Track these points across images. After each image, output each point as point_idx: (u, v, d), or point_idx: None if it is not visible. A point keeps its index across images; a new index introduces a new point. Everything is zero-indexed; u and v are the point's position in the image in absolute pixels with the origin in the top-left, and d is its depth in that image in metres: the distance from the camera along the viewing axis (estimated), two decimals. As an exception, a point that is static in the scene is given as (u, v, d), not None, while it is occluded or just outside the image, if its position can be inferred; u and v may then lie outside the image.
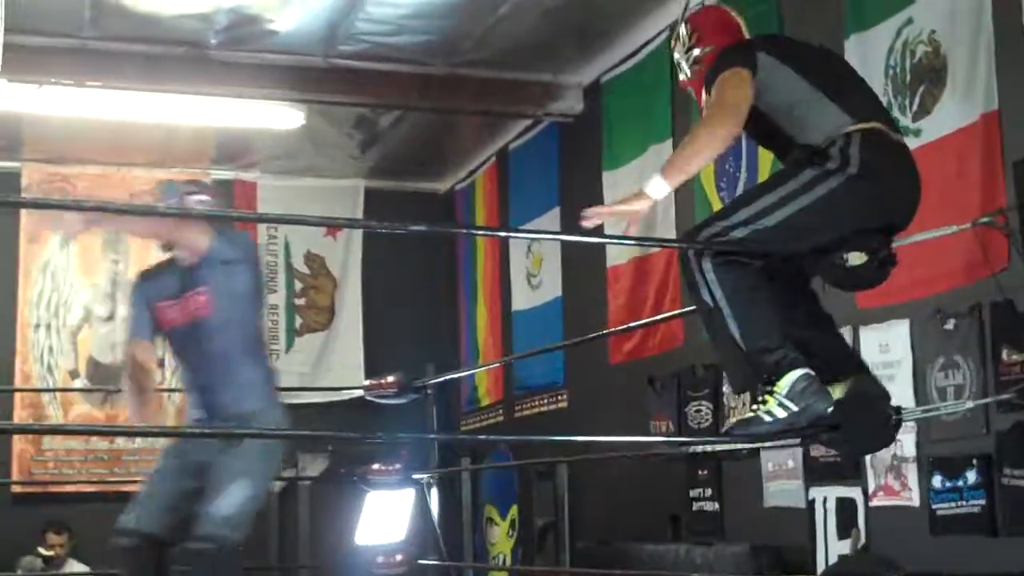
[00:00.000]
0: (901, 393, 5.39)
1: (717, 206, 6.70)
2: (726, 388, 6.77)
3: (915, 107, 5.55)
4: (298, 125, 8.86)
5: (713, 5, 4.01)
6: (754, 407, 3.37)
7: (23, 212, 9.86)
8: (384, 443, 8.28)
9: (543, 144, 9.18)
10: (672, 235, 7.04)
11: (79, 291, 10.07)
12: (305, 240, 10.53)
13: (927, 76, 5.50)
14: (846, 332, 5.82)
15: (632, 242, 5.86)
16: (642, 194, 3.35)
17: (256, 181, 10.49)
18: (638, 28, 7.68)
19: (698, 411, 7.08)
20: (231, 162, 10.29)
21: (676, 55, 3.86)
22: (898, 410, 3.53)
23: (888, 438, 3.60)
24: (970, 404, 4.84)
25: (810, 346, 3.46)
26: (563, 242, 8.89)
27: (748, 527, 6.64)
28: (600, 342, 7.90)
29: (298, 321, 10.53)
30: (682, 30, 3.82)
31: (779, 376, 3.33)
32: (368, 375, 9.43)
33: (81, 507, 9.29)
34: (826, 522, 5.98)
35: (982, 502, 5.09)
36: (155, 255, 9.98)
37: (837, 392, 3.47)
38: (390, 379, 6.45)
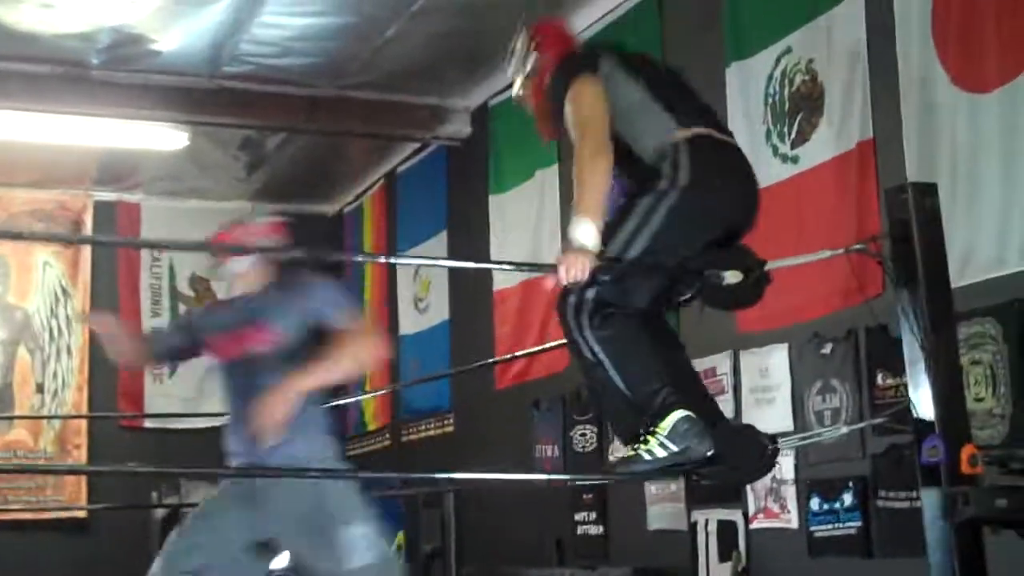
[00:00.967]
0: (780, 416, 5.47)
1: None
2: (610, 412, 6.80)
3: (793, 135, 5.64)
4: (183, 146, 8.77)
5: (550, 18, 4.02)
6: (635, 446, 3.39)
7: None
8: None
9: (431, 167, 9.18)
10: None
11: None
12: (190, 263, 10.38)
13: (805, 104, 5.59)
14: (727, 356, 5.92)
15: (510, 267, 5.85)
16: (582, 249, 3.23)
17: (140, 203, 10.34)
18: (524, 53, 7.72)
19: (583, 435, 7.11)
20: (114, 184, 10.14)
21: (510, 71, 3.83)
22: (774, 439, 3.56)
23: (766, 467, 3.63)
24: (845, 429, 4.91)
25: (683, 387, 3.49)
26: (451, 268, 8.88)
27: (632, 550, 6.67)
28: (486, 367, 7.89)
29: (182, 345, 10.34)
30: (520, 40, 3.80)
31: (661, 417, 3.35)
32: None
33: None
34: (708, 545, 6.03)
35: (858, 524, 5.18)
36: (37, 280, 9.87)
37: None
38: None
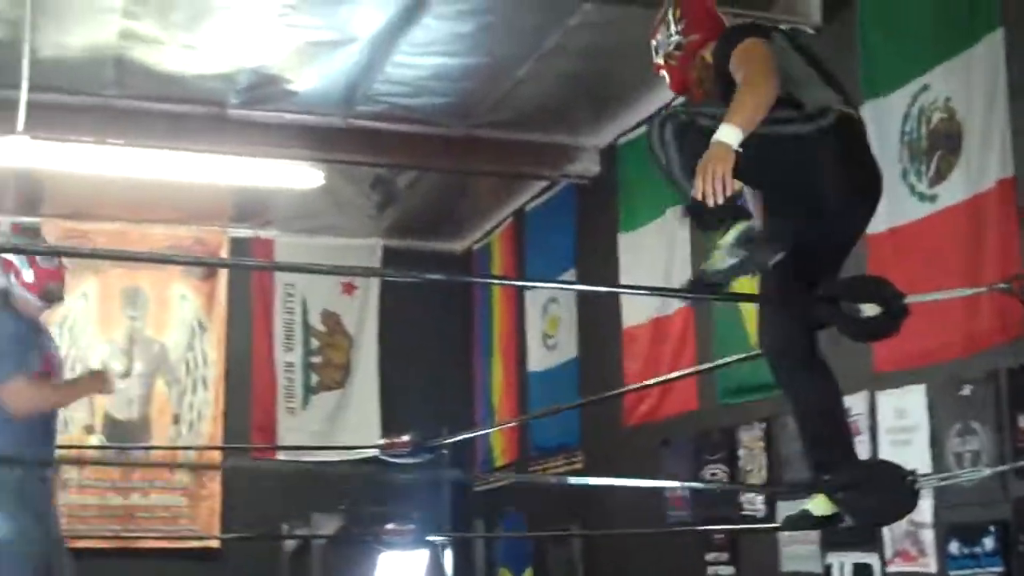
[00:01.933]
0: (918, 458, 5.37)
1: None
2: (742, 452, 6.76)
3: (931, 173, 5.56)
4: (317, 184, 8.90)
5: None
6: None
7: (42, 268, 9.93)
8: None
9: (560, 205, 9.22)
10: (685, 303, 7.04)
11: (96, 347, 10.11)
12: (322, 298, 10.57)
13: (943, 143, 5.51)
14: (863, 397, 5.83)
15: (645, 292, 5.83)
16: (725, 147, 3.28)
17: (274, 239, 10.55)
18: (654, 91, 7.70)
19: (713, 474, 7.06)
20: (250, 220, 10.36)
21: (657, 37, 3.90)
22: (914, 473, 3.52)
23: (910, 503, 3.59)
24: (987, 471, 4.82)
25: None
26: (580, 304, 8.88)
27: (764, 592, 6.60)
28: (615, 404, 7.89)
29: (314, 379, 10.53)
30: (670, 13, 3.87)
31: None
32: (383, 433, 9.43)
33: (94, 564, 9.26)
34: (843, 588, 5.94)
35: (999, 569, 5.05)
36: (174, 313, 10.12)
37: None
38: (405, 438, 6.47)
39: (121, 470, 9.84)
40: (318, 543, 9.39)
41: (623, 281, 8.09)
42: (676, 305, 7.37)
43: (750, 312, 6.17)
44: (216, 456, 10.28)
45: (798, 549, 6.29)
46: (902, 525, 5.51)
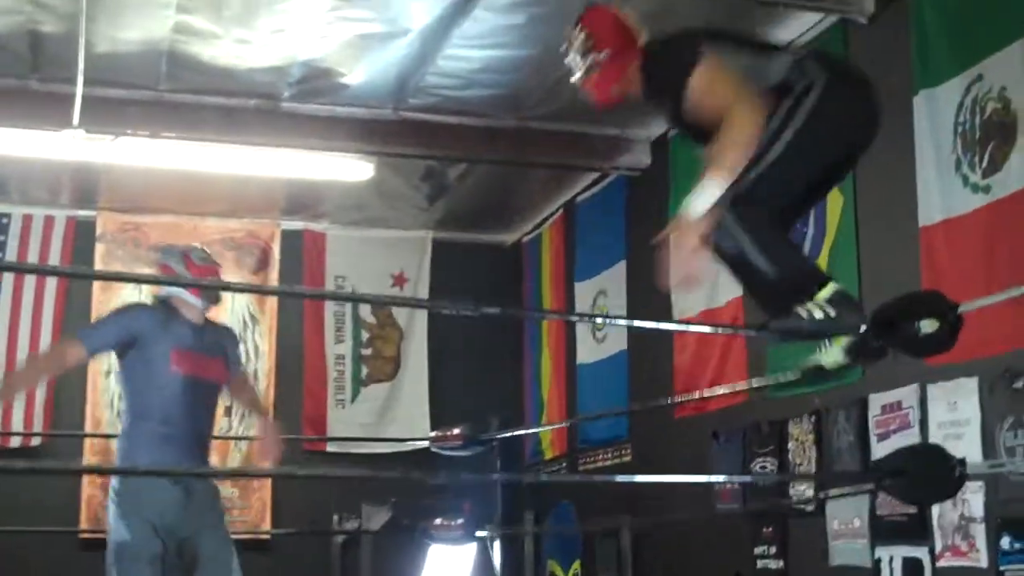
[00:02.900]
0: (969, 452, 5.32)
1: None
2: (791, 445, 6.73)
3: (984, 163, 5.51)
4: (367, 177, 8.95)
5: (603, 6, 4.04)
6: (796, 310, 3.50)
7: (97, 258, 10.06)
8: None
9: (610, 197, 9.22)
10: (736, 292, 7.01)
11: (150, 339, 10.19)
12: (372, 290, 10.62)
13: (997, 133, 5.46)
14: (913, 390, 5.79)
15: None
16: (683, 219, 3.46)
17: (325, 232, 10.61)
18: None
19: (763, 467, 7.03)
20: (301, 213, 10.43)
21: (569, 56, 3.93)
22: (963, 462, 3.51)
23: (953, 488, 3.58)
24: (1038, 464, 4.78)
25: None
26: (630, 296, 8.87)
27: (813, 586, 6.57)
28: (664, 396, 7.87)
29: (364, 371, 10.59)
30: (575, 33, 3.89)
31: (819, 286, 3.49)
32: (433, 426, 9.47)
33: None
34: (892, 582, 5.90)
35: (1052, 564, 5.01)
36: (226, 306, 10.16)
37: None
38: (456, 431, 6.50)
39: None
40: (367, 536, 9.44)
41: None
42: (727, 296, 7.34)
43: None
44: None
45: (848, 543, 6.26)
46: (953, 519, 5.48)
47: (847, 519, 6.23)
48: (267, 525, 10.00)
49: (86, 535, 9.61)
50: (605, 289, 9.21)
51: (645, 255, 8.49)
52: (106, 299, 10.05)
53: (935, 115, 5.74)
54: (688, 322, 7.86)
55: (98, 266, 10.07)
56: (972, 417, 5.47)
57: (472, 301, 3.58)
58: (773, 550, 6.96)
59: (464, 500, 8.49)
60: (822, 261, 6.40)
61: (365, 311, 10.65)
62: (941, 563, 5.62)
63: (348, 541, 9.61)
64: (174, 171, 8.79)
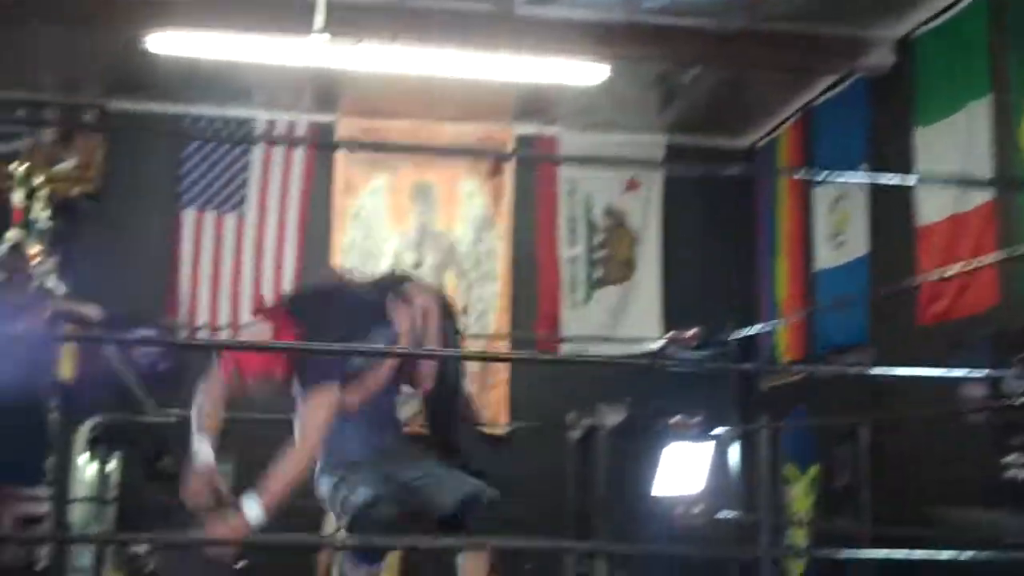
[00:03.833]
0: None
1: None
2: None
3: None
4: (600, 81, 8.95)
5: None
6: None
7: (340, 163, 10.37)
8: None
9: (851, 100, 8.98)
10: (986, 196, 6.81)
11: (388, 239, 10.50)
12: (605, 194, 10.68)
13: None
14: None
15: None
16: None
17: (557, 136, 10.67)
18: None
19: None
20: (534, 117, 10.51)
21: None
22: None
23: None
24: None
25: None
26: (871, 200, 8.68)
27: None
28: (906, 301, 7.73)
29: (596, 274, 10.68)
30: None
31: None
32: (665, 330, 9.52)
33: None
34: None
35: None
36: (462, 209, 10.42)
37: None
38: (691, 333, 6.55)
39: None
40: (602, 433, 9.58)
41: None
42: (975, 201, 7.13)
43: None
44: (503, 346, 10.54)
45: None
46: None
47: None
48: (504, 420, 10.25)
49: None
50: (845, 192, 9.03)
51: (888, 158, 8.34)
52: (346, 204, 10.39)
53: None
54: (932, 229, 7.67)
55: (339, 170, 10.40)
56: None
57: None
58: (1023, 460, 6.80)
59: (699, 403, 8.54)
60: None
61: (598, 215, 10.72)
62: None
63: (584, 439, 9.77)
64: (411, 76, 8.94)
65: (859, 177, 8.74)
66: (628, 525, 9.01)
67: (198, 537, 4.50)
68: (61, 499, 6.67)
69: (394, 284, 5.12)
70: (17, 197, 8.28)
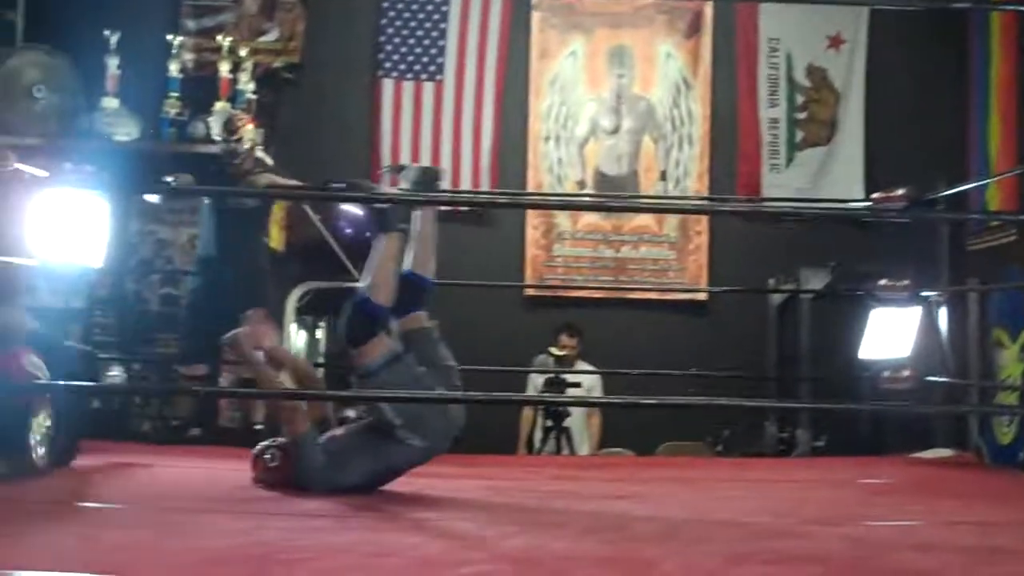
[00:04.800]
0: None
1: None
2: None
3: None
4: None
5: None
6: None
7: (536, 27, 10.31)
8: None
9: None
10: None
11: (586, 104, 10.44)
12: (807, 53, 10.38)
13: None
14: None
15: None
16: None
17: (756, -8, 10.39)
18: None
19: None
20: (732, -28, 10.25)
21: None
22: None
23: None
24: None
25: None
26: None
27: None
28: None
29: (799, 135, 10.44)
30: None
31: None
32: (867, 193, 9.27)
33: (588, 312, 9.81)
34: None
35: None
36: (660, 71, 10.28)
37: None
38: (899, 192, 6.34)
39: (612, 224, 10.22)
40: (805, 298, 9.46)
41: None
42: None
43: None
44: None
45: None
46: None
47: None
48: (703, 285, 10.21)
49: (531, 292, 10.15)
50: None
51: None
52: (543, 69, 10.35)
53: None
54: None
55: (536, 36, 10.35)
56: None
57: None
58: None
59: (906, 264, 8.32)
60: None
61: (800, 74, 10.44)
62: None
63: (785, 303, 9.67)
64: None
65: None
66: (832, 390, 8.94)
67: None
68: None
69: None
70: (224, 69, 8.50)
